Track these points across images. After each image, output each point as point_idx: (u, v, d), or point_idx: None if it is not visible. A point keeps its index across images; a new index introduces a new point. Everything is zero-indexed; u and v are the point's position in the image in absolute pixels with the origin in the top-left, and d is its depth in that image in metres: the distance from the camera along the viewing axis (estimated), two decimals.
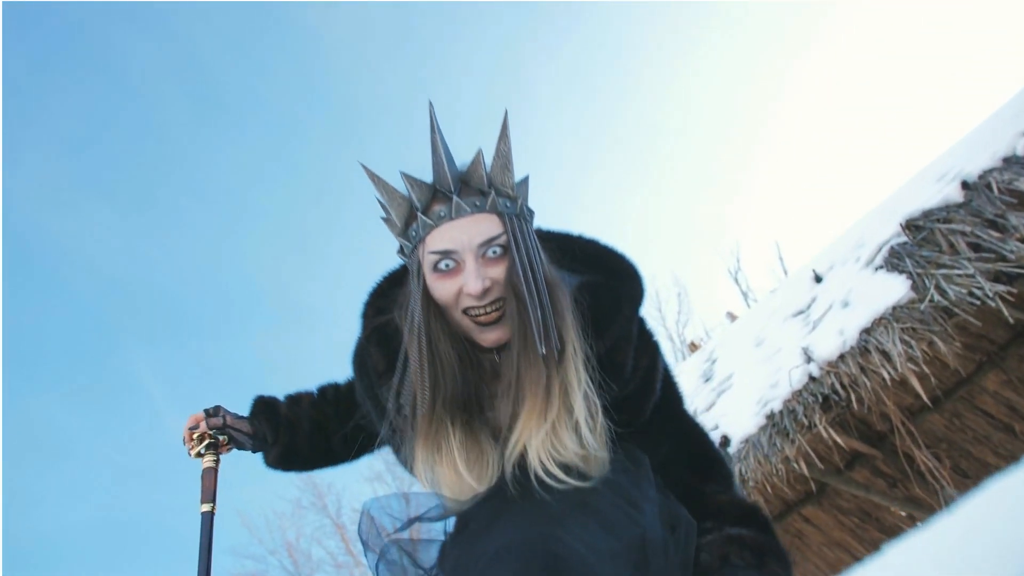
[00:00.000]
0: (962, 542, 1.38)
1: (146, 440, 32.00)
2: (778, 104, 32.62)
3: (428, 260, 1.28)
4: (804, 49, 32.11)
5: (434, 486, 1.28)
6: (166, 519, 31.27)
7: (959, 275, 4.58)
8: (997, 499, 1.49)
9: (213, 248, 33.48)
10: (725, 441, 5.65)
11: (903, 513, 6.55)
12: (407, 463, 1.35)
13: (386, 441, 1.41)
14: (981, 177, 4.95)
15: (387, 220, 1.35)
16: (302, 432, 1.72)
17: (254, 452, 1.77)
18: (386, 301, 1.45)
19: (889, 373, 4.66)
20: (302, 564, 20.59)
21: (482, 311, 1.27)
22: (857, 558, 6.85)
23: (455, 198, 1.27)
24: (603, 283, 1.38)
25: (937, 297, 4.57)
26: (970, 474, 6.48)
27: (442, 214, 1.27)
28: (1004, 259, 4.55)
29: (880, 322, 4.83)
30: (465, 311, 1.28)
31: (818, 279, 6.49)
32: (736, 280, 21.17)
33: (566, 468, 1.18)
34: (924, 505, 6.11)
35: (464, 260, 1.26)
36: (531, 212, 1.37)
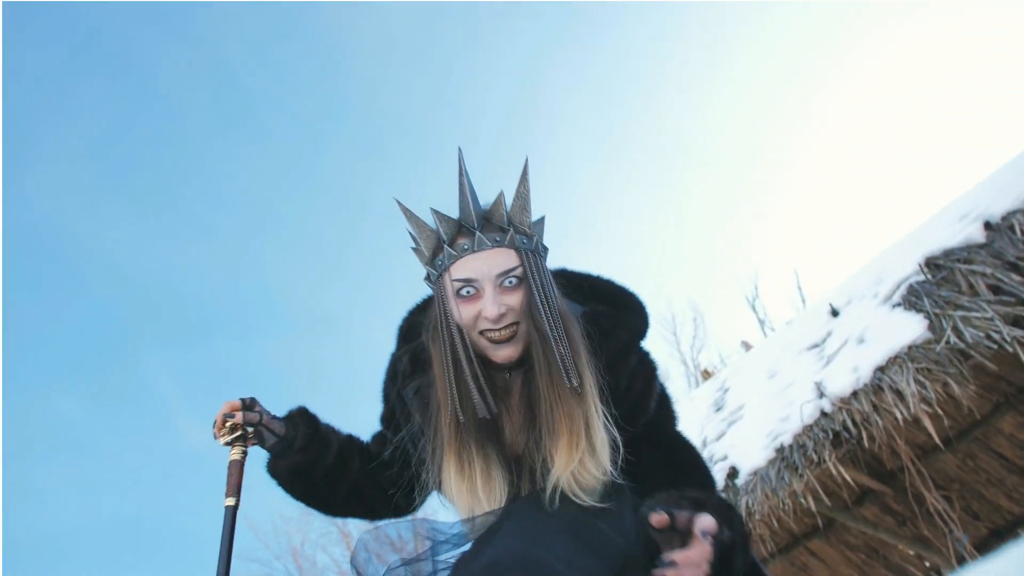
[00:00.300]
0: None
1: (157, 441, 32.23)
2: (803, 132, 32.56)
3: (452, 287, 1.43)
4: (831, 79, 32.03)
5: (457, 498, 1.41)
6: (173, 520, 31.47)
7: (977, 317, 4.54)
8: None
9: (232, 254, 33.80)
10: (733, 473, 5.62)
11: (911, 552, 6.48)
12: (430, 473, 1.47)
13: (411, 448, 1.54)
14: (1004, 219, 4.92)
15: (416, 250, 1.52)
16: (327, 456, 1.66)
17: (271, 453, 1.67)
18: (417, 321, 1.63)
19: (902, 413, 4.63)
20: (307, 570, 20.66)
21: (497, 332, 1.42)
22: None
23: (478, 233, 1.43)
24: (606, 312, 1.53)
25: (954, 339, 4.54)
26: (981, 516, 6.41)
27: (465, 247, 1.43)
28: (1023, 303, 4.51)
29: (895, 361, 4.81)
30: (482, 332, 1.43)
31: (835, 313, 6.46)
32: (754, 307, 20.99)
33: (586, 492, 1.32)
34: (932, 546, 6.04)
35: (483, 288, 1.42)
36: (545, 249, 1.53)
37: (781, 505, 5.24)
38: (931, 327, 4.74)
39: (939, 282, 4.96)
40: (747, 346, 9.65)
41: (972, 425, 6.10)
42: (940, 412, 4.71)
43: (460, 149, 1.46)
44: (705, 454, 6.32)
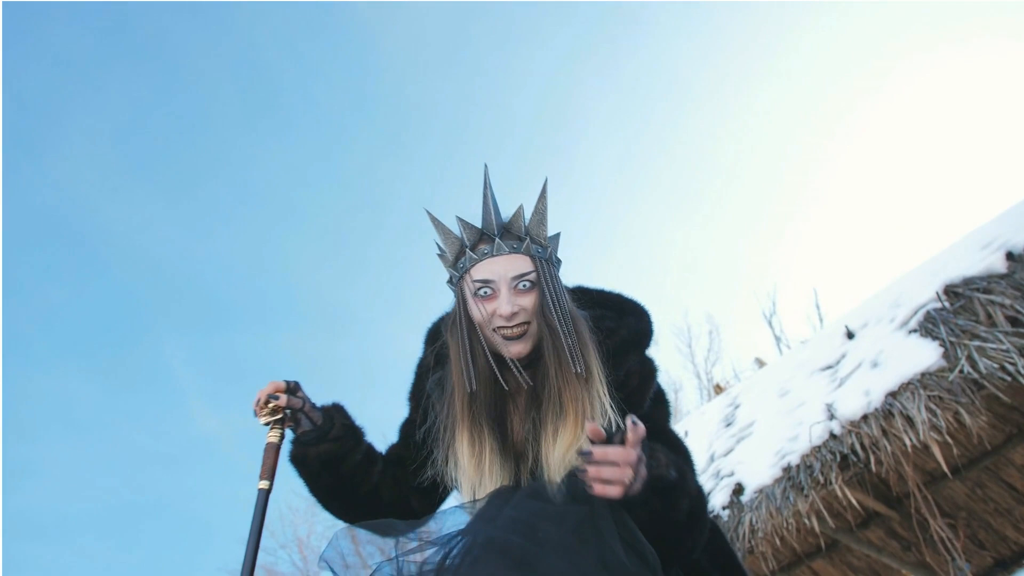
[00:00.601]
0: None
1: (169, 423, 32.51)
2: (830, 152, 32.31)
3: (471, 287, 1.59)
4: (861, 101, 31.81)
5: (465, 471, 1.52)
6: (182, 502, 31.74)
7: (993, 348, 4.51)
8: None
9: (253, 244, 34.02)
10: (739, 489, 5.63)
11: None
12: (443, 453, 1.59)
13: (432, 445, 1.64)
14: None
15: (441, 256, 1.67)
16: (357, 452, 1.68)
17: (301, 440, 1.66)
18: (441, 326, 1.76)
19: (911, 439, 4.62)
20: (311, 560, 20.72)
21: (509, 329, 1.56)
22: None
23: (497, 240, 1.60)
24: (610, 315, 1.68)
25: (968, 368, 4.51)
26: (987, 545, 6.38)
27: (485, 252, 1.59)
28: None
29: (907, 387, 4.79)
30: (496, 329, 1.57)
31: (850, 335, 6.45)
32: (770, 323, 20.92)
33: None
34: (934, 573, 6.02)
35: (499, 289, 1.57)
36: (559, 261, 1.68)
37: (785, 524, 5.24)
38: (946, 355, 4.71)
39: (957, 310, 4.93)
40: (760, 363, 9.64)
41: (983, 455, 6.07)
42: (950, 440, 4.70)
43: (486, 165, 1.62)
44: (712, 469, 6.34)
